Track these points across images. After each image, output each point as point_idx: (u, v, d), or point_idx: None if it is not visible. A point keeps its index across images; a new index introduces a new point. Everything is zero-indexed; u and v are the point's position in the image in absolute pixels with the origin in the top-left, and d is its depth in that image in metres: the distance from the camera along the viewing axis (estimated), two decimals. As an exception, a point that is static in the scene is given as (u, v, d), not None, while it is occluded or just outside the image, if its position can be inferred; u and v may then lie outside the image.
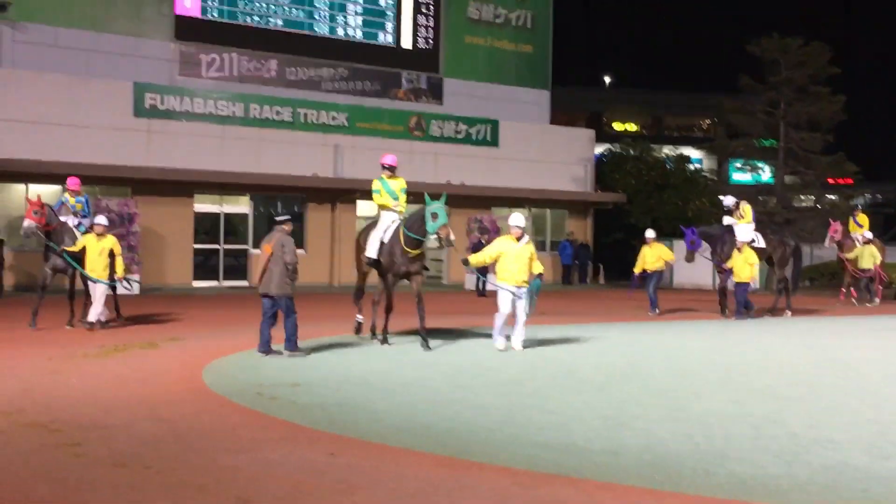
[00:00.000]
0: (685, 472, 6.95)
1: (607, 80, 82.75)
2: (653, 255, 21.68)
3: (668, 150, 49.25)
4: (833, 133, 38.53)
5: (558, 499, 6.27)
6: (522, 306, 13.89)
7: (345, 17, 34.71)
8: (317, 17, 34.03)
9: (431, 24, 36.42)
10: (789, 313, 21.70)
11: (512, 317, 13.99)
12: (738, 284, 20.44)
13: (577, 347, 14.67)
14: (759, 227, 22.55)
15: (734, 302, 20.74)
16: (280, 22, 33.31)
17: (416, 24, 36.16)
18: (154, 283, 28.23)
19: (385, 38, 35.50)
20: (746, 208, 21.63)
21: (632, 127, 74.25)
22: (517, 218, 14.16)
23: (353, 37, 34.82)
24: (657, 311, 21.56)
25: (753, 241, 21.05)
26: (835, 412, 9.33)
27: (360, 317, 15.36)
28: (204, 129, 30.82)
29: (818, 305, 24.94)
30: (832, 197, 42.55)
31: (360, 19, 35.09)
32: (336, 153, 33.21)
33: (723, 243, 21.12)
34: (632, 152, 43.47)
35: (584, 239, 38.82)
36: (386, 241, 14.48)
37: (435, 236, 14.10)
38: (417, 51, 36.15)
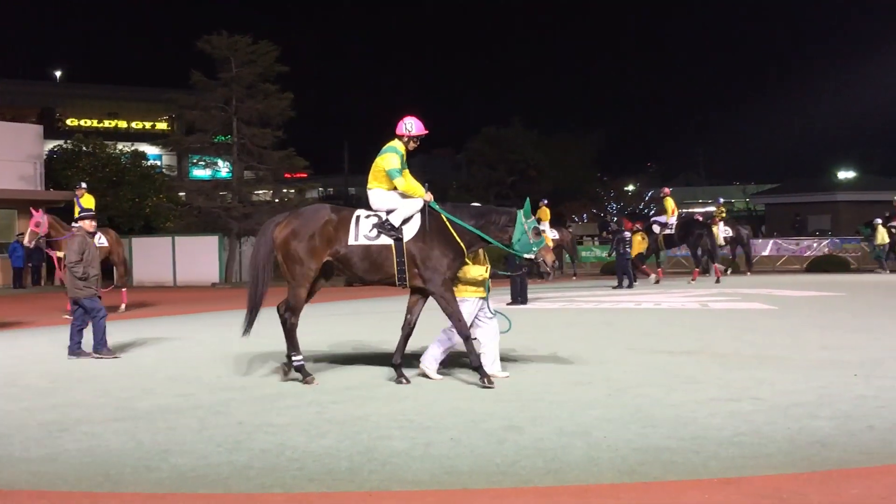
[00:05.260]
0: (126, 471, 6.84)
1: (59, 73, 79.74)
2: None
3: (123, 147, 48.56)
4: (283, 129, 40.21)
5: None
6: None
7: None
8: None
9: None
10: None
11: None
12: None
13: (21, 354, 13.99)
14: None
15: None
16: None
17: None
18: None
19: None
20: None
21: (88, 122, 72.11)
22: None
23: None
24: None
25: None
26: (278, 397, 9.69)
27: (298, 357, 10.66)
28: None
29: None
30: (289, 191, 44.43)
31: None
32: None
33: None
34: (84, 148, 42.24)
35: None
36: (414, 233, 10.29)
37: (533, 256, 10.34)
38: None
